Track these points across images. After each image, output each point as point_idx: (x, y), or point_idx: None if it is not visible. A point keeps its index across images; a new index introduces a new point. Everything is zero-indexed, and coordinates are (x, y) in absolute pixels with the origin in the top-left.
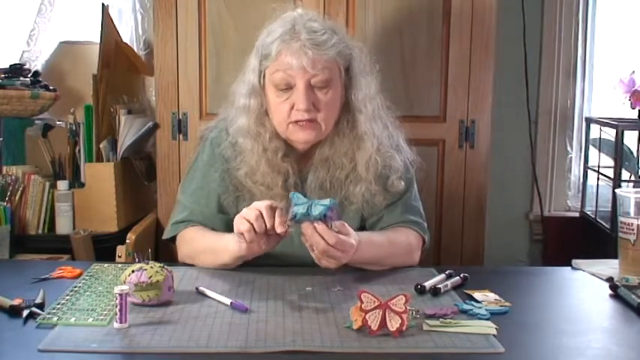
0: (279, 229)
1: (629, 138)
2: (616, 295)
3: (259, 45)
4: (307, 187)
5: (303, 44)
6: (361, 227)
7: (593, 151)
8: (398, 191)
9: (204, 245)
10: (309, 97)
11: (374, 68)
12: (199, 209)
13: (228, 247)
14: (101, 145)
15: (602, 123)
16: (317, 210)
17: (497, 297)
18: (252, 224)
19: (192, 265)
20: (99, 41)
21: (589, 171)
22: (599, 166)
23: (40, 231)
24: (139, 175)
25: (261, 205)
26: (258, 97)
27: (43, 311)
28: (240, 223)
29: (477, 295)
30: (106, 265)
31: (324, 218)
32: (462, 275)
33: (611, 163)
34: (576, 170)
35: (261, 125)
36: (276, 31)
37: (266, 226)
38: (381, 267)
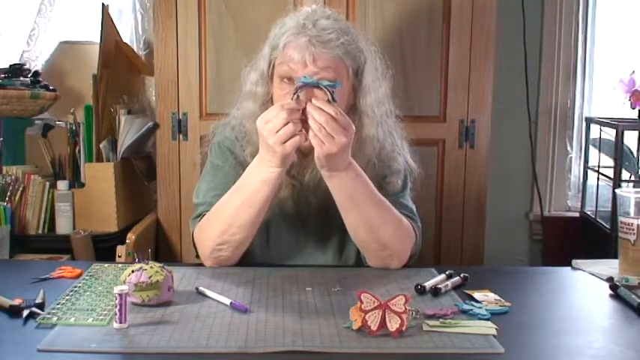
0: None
1: (629, 138)
2: (616, 295)
3: (272, 35)
4: (305, 181)
5: (309, 40)
6: None
7: (593, 151)
8: (393, 188)
9: (232, 205)
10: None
11: (387, 72)
12: (217, 198)
13: (260, 177)
14: (101, 145)
15: (602, 123)
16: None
17: (497, 297)
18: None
19: (192, 265)
20: (99, 41)
21: (589, 171)
22: (599, 166)
23: (40, 231)
24: (139, 175)
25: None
26: (265, 86)
27: (43, 311)
28: (272, 126)
29: (477, 295)
30: (106, 265)
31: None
32: (462, 275)
33: (611, 163)
34: (576, 170)
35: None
36: (288, 24)
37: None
38: (371, 229)
